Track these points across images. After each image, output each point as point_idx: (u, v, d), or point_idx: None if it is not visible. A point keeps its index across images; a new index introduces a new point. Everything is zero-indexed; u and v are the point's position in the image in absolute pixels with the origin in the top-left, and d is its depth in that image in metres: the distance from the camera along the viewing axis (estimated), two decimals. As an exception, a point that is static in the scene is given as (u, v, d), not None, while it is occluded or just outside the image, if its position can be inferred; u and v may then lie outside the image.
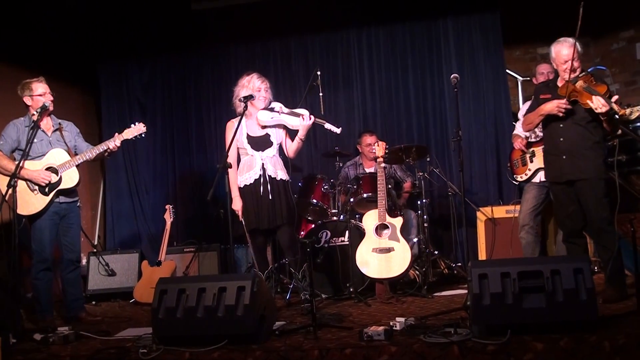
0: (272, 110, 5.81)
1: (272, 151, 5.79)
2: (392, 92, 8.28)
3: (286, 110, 5.81)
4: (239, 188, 5.77)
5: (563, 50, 5.00)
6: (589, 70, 5.00)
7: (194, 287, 4.22)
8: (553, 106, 4.97)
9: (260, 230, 5.80)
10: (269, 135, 5.81)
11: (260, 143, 5.78)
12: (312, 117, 5.75)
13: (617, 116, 4.70)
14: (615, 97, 4.76)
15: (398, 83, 8.28)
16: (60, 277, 5.79)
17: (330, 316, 5.12)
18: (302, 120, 5.73)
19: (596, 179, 4.94)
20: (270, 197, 5.68)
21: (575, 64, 4.97)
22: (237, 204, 5.76)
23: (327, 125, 5.83)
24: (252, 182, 5.73)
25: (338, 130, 5.85)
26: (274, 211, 5.70)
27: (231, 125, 5.79)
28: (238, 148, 5.82)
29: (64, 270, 5.69)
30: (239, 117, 5.59)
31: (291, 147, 5.87)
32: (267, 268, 5.87)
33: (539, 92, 5.26)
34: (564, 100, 4.91)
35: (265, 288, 4.49)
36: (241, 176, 5.78)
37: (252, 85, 5.76)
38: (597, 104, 4.68)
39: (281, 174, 5.80)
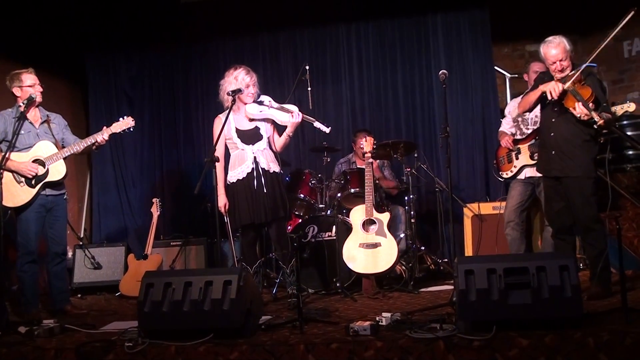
0: (261, 103, 5.75)
1: (263, 144, 5.70)
2: (381, 87, 8.30)
3: (275, 105, 5.75)
4: (231, 183, 5.67)
5: (551, 50, 5.00)
6: (580, 67, 4.97)
7: (180, 280, 4.20)
8: (551, 86, 4.89)
9: (254, 224, 5.69)
10: (259, 129, 5.73)
11: (250, 136, 5.71)
12: (301, 114, 5.70)
13: (595, 126, 4.71)
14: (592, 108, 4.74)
15: (387, 79, 8.29)
16: (46, 270, 5.76)
17: (317, 311, 5.12)
18: (291, 117, 5.66)
19: (584, 177, 4.94)
20: (265, 190, 5.58)
21: (564, 64, 4.99)
22: (220, 201, 5.64)
23: (317, 124, 5.76)
24: (244, 176, 5.61)
25: (327, 130, 5.79)
26: (271, 204, 5.59)
27: (219, 120, 5.72)
28: (226, 143, 5.76)
29: (49, 262, 5.67)
30: (226, 112, 5.56)
31: (278, 142, 5.80)
32: (256, 263, 5.83)
33: (540, 81, 5.24)
34: (560, 86, 4.86)
35: (251, 282, 4.49)
36: (233, 171, 5.68)
37: (240, 80, 5.69)
38: (580, 112, 4.70)
39: (274, 167, 5.71)
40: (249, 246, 5.83)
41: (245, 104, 5.71)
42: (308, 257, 6.27)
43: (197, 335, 4.01)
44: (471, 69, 8.05)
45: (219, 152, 5.60)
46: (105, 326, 4.90)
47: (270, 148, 5.75)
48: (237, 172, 5.65)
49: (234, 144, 5.70)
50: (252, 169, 5.61)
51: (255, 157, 5.64)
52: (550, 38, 5.05)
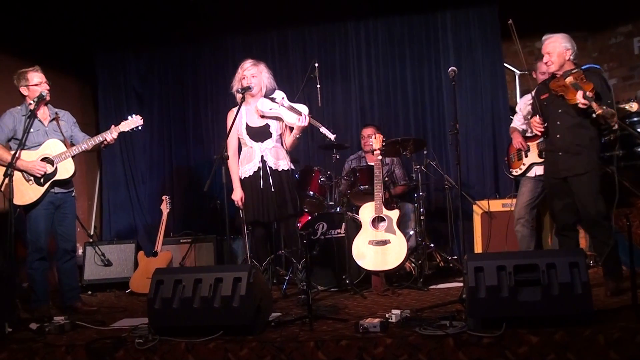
0: (273, 100, 5.73)
1: (272, 142, 5.69)
2: (390, 84, 8.29)
3: (287, 103, 5.70)
4: (241, 179, 5.69)
5: (543, 43, 5.13)
6: (582, 67, 5.00)
7: (190, 277, 4.22)
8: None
9: (261, 222, 5.71)
10: (269, 126, 5.71)
11: (259, 134, 5.70)
12: (308, 118, 5.63)
13: (594, 115, 4.70)
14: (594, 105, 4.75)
15: (396, 76, 8.28)
16: (56, 267, 5.78)
17: (326, 308, 5.13)
18: (297, 121, 5.62)
19: (590, 174, 4.94)
20: (272, 190, 5.57)
21: (550, 59, 5.05)
22: (236, 194, 5.68)
23: (322, 129, 5.70)
24: (251, 174, 5.64)
25: (332, 137, 5.75)
26: (276, 204, 5.59)
27: (231, 113, 5.72)
28: (239, 138, 5.78)
29: (59, 260, 5.70)
30: (236, 108, 5.57)
31: (288, 141, 5.79)
32: (266, 260, 5.82)
33: (539, 92, 5.31)
34: (538, 118, 5.16)
35: (261, 279, 4.50)
36: (242, 167, 5.70)
37: (246, 68, 5.69)
38: (579, 99, 4.70)
39: (283, 164, 5.70)
40: (259, 243, 5.83)
41: (253, 96, 5.70)
42: (317, 255, 6.27)
43: (207, 332, 4.03)
44: (480, 65, 8.04)
45: (232, 146, 5.64)
46: (116, 323, 4.92)
47: (282, 145, 5.74)
48: (245, 169, 5.66)
49: (243, 140, 5.71)
50: (259, 167, 5.61)
51: (262, 156, 5.63)
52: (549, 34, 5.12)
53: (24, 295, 5.76)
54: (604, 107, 4.68)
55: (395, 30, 8.30)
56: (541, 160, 5.95)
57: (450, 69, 5.69)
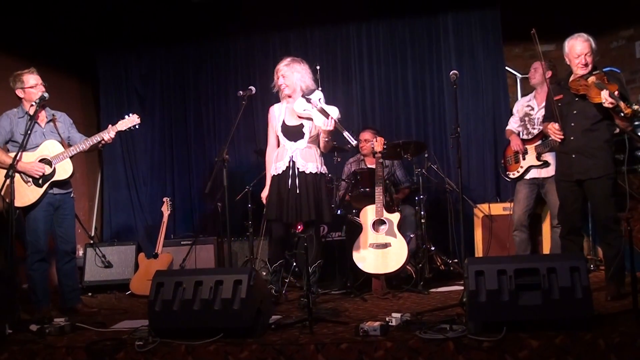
0: (308, 101, 5.56)
1: (304, 143, 5.56)
2: (391, 87, 8.29)
3: (319, 106, 5.51)
4: (271, 176, 5.62)
5: (577, 45, 5.03)
6: (603, 69, 4.99)
7: (190, 280, 4.22)
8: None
9: (281, 221, 5.58)
10: (303, 126, 5.59)
11: (293, 133, 5.59)
12: (333, 122, 5.42)
13: (622, 114, 4.69)
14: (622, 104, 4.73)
15: (397, 78, 8.29)
16: (56, 268, 5.78)
17: (327, 311, 5.13)
18: (322, 124, 5.47)
19: (605, 177, 4.95)
20: (297, 192, 5.45)
21: (588, 59, 5.00)
22: (265, 192, 5.64)
23: (346, 134, 5.49)
24: (280, 172, 5.53)
25: (354, 143, 5.62)
26: (300, 206, 5.45)
27: (271, 110, 5.71)
28: (277, 135, 5.70)
29: (59, 261, 5.70)
30: (281, 103, 5.62)
31: (321, 144, 5.65)
32: (279, 261, 5.72)
33: (553, 93, 5.27)
34: (557, 125, 5.09)
35: (262, 282, 4.49)
36: (274, 164, 5.61)
37: (277, 68, 5.64)
38: (606, 98, 4.68)
39: (311, 167, 5.53)
40: (276, 243, 5.70)
41: (289, 96, 5.66)
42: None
43: (207, 335, 4.02)
44: (482, 69, 8.04)
45: (270, 142, 5.68)
46: (116, 325, 4.93)
47: (317, 146, 5.69)
48: (275, 167, 5.58)
49: (279, 138, 5.66)
50: (287, 167, 5.52)
51: (292, 156, 5.54)
52: (577, 34, 5.09)
53: (24, 297, 5.76)
54: (633, 107, 4.67)
55: (396, 33, 8.30)
56: (539, 163, 5.99)
57: (451, 72, 5.68)
